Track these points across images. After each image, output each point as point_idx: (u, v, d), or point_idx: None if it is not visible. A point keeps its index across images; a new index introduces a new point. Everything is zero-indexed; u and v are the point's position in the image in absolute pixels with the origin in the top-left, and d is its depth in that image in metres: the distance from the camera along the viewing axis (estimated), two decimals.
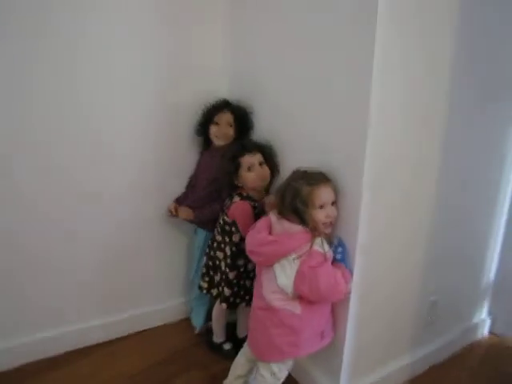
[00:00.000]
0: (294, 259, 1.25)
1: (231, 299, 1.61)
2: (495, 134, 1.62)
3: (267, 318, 1.31)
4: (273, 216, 1.33)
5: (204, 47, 1.77)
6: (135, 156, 1.73)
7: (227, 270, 1.61)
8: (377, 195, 1.28)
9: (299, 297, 1.27)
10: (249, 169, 1.56)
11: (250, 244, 1.34)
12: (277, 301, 1.29)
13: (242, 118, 1.74)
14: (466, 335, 1.88)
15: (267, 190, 1.63)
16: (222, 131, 1.73)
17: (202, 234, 1.83)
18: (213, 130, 1.74)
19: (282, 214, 1.30)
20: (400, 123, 1.27)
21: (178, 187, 1.86)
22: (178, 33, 1.68)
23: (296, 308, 1.28)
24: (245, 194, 1.59)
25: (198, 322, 1.89)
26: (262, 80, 1.66)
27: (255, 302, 1.40)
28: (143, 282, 1.90)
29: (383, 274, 1.41)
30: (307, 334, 1.30)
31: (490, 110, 1.54)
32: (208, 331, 1.85)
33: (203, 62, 1.78)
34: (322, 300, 1.29)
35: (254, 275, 1.53)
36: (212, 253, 1.68)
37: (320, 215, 1.25)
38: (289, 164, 1.48)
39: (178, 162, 1.85)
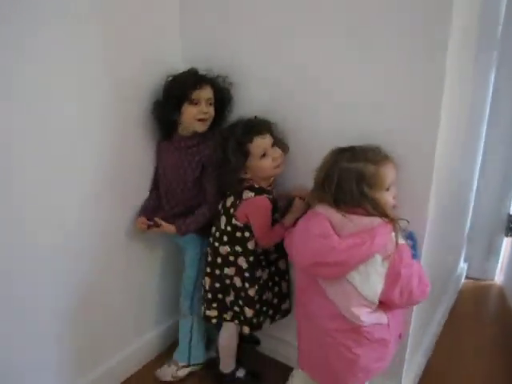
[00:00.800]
0: (382, 261, 1.01)
1: (254, 320, 1.33)
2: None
3: (348, 338, 1.06)
4: (331, 212, 1.04)
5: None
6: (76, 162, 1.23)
7: (246, 286, 1.30)
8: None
9: (381, 304, 1.06)
10: (263, 155, 1.24)
11: (315, 254, 1.03)
12: (365, 316, 1.04)
13: (225, 94, 1.36)
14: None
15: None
16: (204, 112, 1.31)
17: (193, 248, 1.46)
18: (192, 111, 1.29)
19: (344, 207, 1.03)
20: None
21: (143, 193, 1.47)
22: None
23: (383, 318, 1.06)
24: (257, 186, 1.27)
25: (182, 354, 1.53)
26: (244, 43, 1.33)
27: (324, 324, 1.09)
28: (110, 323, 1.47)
29: None
30: (393, 343, 1.11)
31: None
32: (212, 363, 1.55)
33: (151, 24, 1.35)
34: (409, 305, 1.09)
35: (274, 284, 1.37)
36: (217, 271, 1.34)
37: (390, 198, 1.04)
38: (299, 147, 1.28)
39: (135, 159, 1.41)
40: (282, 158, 1.26)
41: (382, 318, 1.05)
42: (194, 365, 1.53)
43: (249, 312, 1.31)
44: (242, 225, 1.28)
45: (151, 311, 1.62)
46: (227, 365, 1.50)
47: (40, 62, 1.06)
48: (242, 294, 1.30)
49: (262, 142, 1.22)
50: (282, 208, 1.30)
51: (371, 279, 1.00)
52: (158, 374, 1.52)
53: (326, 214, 1.04)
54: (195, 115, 1.30)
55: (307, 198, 1.15)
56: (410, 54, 1.06)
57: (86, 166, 1.25)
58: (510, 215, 2.08)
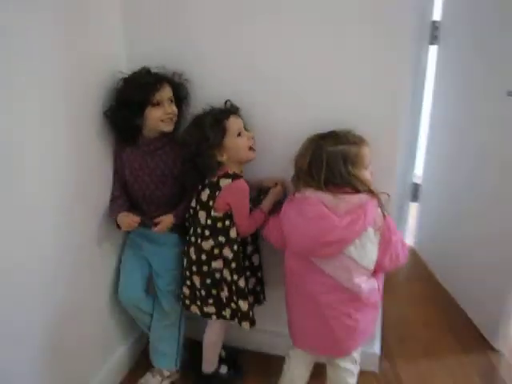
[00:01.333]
0: (375, 232, 1.11)
1: (251, 313, 1.32)
2: None
3: (350, 307, 1.15)
4: (319, 194, 1.11)
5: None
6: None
7: (235, 278, 1.29)
8: None
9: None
10: (238, 134, 1.26)
11: (317, 236, 1.09)
12: (364, 283, 1.13)
13: (183, 90, 1.34)
14: None
15: None
16: (169, 112, 1.29)
17: (170, 247, 1.42)
18: (156, 114, 1.27)
19: (333, 188, 1.10)
20: None
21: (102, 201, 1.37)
22: None
23: (375, 283, 1.17)
24: (231, 173, 1.27)
25: (170, 359, 1.49)
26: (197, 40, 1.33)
27: (325, 299, 1.15)
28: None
29: None
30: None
31: None
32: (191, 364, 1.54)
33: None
34: (394, 268, 1.20)
35: (258, 268, 1.40)
36: (205, 267, 1.31)
37: (369, 175, 1.15)
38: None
39: (96, 167, 1.33)
40: (254, 142, 1.29)
41: (374, 283, 1.17)
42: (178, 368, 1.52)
43: (244, 305, 1.31)
44: (221, 215, 1.27)
45: (119, 325, 1.53)
46: (211, 364, 1.48)
47: None
48: (234, 287, 1.30)
49: (237, 121, 1.26)
50: (252, 197, 1.32)
51: (367, 250, 1.11)
52: None
53: (316, 197, 1.11)
54: (160, 117, 1.27)
55: (292, 184, 1.21)
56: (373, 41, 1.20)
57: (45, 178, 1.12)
58: (414, 183, 2.40)
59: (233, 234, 1.28)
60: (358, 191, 1.10)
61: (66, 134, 1.17)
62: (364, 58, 1.22)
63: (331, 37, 1.22)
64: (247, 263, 1.36)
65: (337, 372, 1.26)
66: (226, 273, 1.30)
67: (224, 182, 1.26)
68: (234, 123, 1.25)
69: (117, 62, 1.36)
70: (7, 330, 1.04)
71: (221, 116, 1.24)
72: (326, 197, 1.11)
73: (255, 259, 1.39)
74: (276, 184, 1.34)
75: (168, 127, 1.30)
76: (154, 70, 1.30)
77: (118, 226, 1.35)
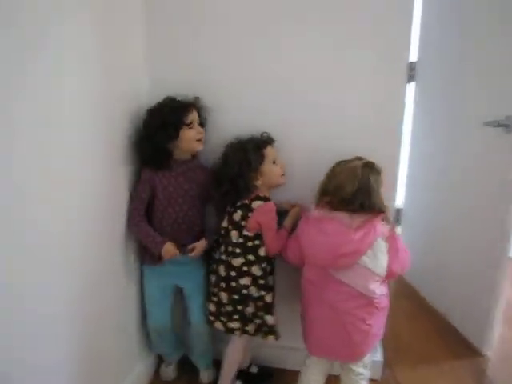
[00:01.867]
0: (383, 241, 1.27)
1: (275, 327, 1.44)
2: None
3: (364, 312, 1.29)
4: (337, 213, 1.27)
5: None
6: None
7: (262, 294, 1.41)
8: None
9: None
10: (274, 162, 1.41)
11: (336, 248, 1.24)
12: (377, 289, 1.28)
13: (205, 114, 1.45)
14: None
15: None
16: (200, 132, 1.41)
17: (199, 270, 1.53)
18: (190, 134, 1.37)
19: (350, 210, 1.26)
20: None
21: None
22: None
23: (385, 289, 1.32)
24: (262, 196, 1.41)
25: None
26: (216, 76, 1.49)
27: (343, 306, 1.28)
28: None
29: None
30: None
31: None
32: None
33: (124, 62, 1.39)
34: (401, 273, 1.36)
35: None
36: (233, 284, 1.41)
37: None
38: None
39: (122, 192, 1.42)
40: (284, 170, 1.45)
41: (384, 288, 1.33)
42: None
43: (270, 319, 1.42)
44: (252, 234, 1.40)
45: (137, 342, 1.61)
46: (228, 380, 1.54)
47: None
48: (261, 303, 1.41)
49: (273, 151, 1.42)
50: None
51: (379, 258, 1.27)
52: None
53: (332, 216, 1.28)
54: (194, 136, 1.39)
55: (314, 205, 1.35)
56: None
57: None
58: (397, 208, 2.59)
59: (261, 252, 1.41)
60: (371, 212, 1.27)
61: (93, 160, 1.24)
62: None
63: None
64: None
65: (350, 376, 1.39)
66: (253, 289, 1.41)
67: (256, 204, 1.39)
68: (271, 151, 1.40)
69: (139, 90, 1.48)
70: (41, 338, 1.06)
71: (261, 144, 1.39)
72: (342, 215, 1.27)
73: (270, 279, 1.48)
74: (293, 206, 1.48)
75: (200, 147, 1.42)
76: (180, 98, 1.41)
77: (159, 257, 1.42)
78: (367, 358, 1.40)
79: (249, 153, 1.36)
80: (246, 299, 1.42)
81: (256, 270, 1.40)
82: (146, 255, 1.49)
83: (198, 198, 1.48)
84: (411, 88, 2.29)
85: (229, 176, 1.37)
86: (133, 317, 1.56)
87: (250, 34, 1.46)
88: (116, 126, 1.35)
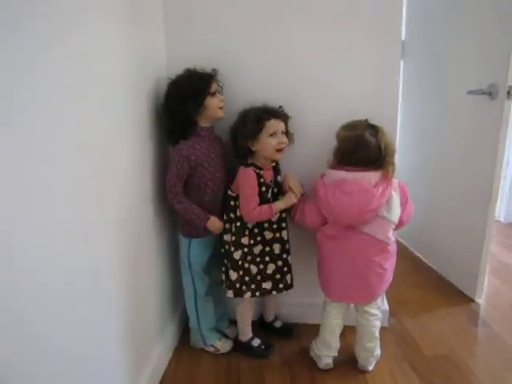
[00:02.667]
0: (396, 194, 1.44)
1: (237, 285, 1.55)
2: None
3: (381, 258, 1.46)
4: (354, 173, 1.39)
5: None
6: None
7: (232, 250, 1.55)
8: None
9: None
10: (271, 135, 1.47)
11: (363, 205, 1.37)
12: (392, 235, 1.46)
13: (222, 87, 1.55)
14: None
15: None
16: (222, 100, 1.51)
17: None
18: (214, 101, 1.47)
19: (367, 169, 1.39)
20: None
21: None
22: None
23: (393, 235, 1.49)
24: (250, 162, 1.52)
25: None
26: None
27: (364, 253, 1.44)
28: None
29: None
30: None
31: None
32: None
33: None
34: (407, 223, 1.53)
35: (261, 261, 1.57)
36: (224, 236, 1.59)
37: None
38: None
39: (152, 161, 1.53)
40: (285, 146, 1.51)
41: (394, 235, 1.51)
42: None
43: (233, 275, 1.55)
44: (234, 194, 1.54)
45: (164, 312, 1.72)
46: (243, 333, 1.72)
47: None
48: (230, 257, 1.56)
49: (275, 124, 1.47)
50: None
51: (394, 208, 1.44)
52: None
53: (351, 176, 1.41)
54: (218, 104, 1.49)
55: (329, 165, 1.48)
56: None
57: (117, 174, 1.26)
58: None
59: (238, 212, 1.53)
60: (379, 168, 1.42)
61: (126, 134, 1.32)
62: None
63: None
64: (267, 249, 1.58)
65: (367, 317, 1.57)
66: (230, 245, 1.56)
67: (241, 168, 1.52)
68: (271, 125, 1.47)
69: (160, 62, 1.61)
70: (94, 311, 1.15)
71: (263, 116, 1.47)
72: (361, 175, 1.41)
73: (276, 248, 1.60)
74: (290, 189, 1.55)
75: (222, 114, 1.51)
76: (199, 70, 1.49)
77: (205, 230, 1.55)
78: (379, 300, 1.59)
79: (249, 120, 1.46)
80: (226, 254, 1.59)
81: (232, 228, 1.55)
82: (193, 229, 1.58)
83: (224, 166, 1.58)
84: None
85: (230, 137, 1.53)
86: (164, 288, 1.71)
87: (260, 17, 1.60)
88: (141, 103, 1.45)
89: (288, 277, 1.65)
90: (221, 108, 1.51)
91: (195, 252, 1.62)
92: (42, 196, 0.86)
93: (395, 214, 1.45)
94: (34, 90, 0.82)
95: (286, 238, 1.62)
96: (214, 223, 1.55)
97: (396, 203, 1.45)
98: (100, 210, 1.14)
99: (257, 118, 1.47)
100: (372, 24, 1.57)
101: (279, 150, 1.50)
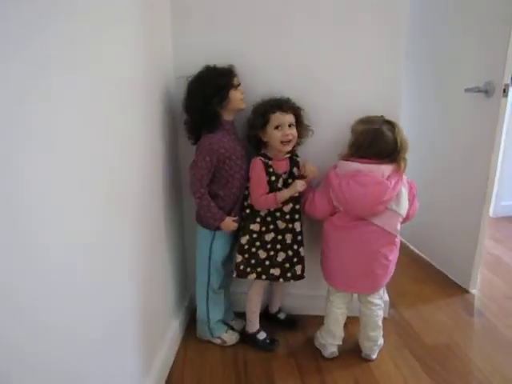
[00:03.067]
0: (405, 188, 1.50)
1: (241, 266, 1.62)
2: None
3: (387, 249, 1.51)
4: (368, 165, 1.44)
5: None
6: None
7: (240, 234, 1.63)
8: None
9: None
10: (277, 127, 1.52)
11: (377, 197, 1.42)
12: (399, 228, 1.52)
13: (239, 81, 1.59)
14: None
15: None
16: (243, 92, 1.55)
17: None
18: (237, 94, 1.52)
19: (381, 162, 1.45)
20: None
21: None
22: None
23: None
24: (261, 153, 1.59)
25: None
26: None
27: (373, 244, 1.49)
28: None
29: None
30: None
31: None
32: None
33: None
34: (412, 218, 1.58)
35: (272, 248, 1.61)
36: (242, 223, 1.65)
37: None
38: None
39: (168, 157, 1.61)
40: (293, 138, 1.54)
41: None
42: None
43: (238, 257, 1.63)
44: (248, 184, 1.61)
45: (173, 301, 1.76)
46: (251, 324, 1.75)
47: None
48: (238, 241, 1.64)
49: (280, 117, 1.51)
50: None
51: (403, 202, 1.50)
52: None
53: (365, 168, 1.45)
54: (240, 96, 1.54)
55: (343, 157, 1.53)
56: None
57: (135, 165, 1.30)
58: None
59: (249, 200, 1.61)
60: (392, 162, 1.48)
61: (140, 134, 1.34)
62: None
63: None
64: (279, 237, 1.62)
65: (370, 307, 1.62)
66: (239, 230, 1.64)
67: (252, 158, 1.59)
68: (276, 118, 1.51)
69: (167, 65, 1.64)
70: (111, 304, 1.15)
71: (269, 109, 1.52)
72: (375, 168, 1.46)
73: (288, 237, 1.63)
74: (302, 177, 1.60)
75: (244, 105, 1.56)
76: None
77: (218, 227, 1.59)
78: (382, 291, 1.64)
79: (256, 113, 1.54)
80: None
81: (245, 214, 1.63)
82: None
83: (247, 159, 1.61)
84: None
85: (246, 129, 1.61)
86: (173, 279, 1.74)
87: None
88: (152, 104, 1.47)
89: (298, 267, 1.67)
90: (242, 100, 1.55)
91: (219, 243, 1.65)
92: (56, 196, 0.85)
93: (404, 207, 1.50)
94: (47, 91, 0.80)
95: (298, 230, 1.65)
96: (228, 224, 1.59)
97: (405, 197, 1.51)
98: (116, 208, 1.16)
99: (263, 111, 1.53)
100: (377, 23, 1.62)
101: (284, 142, 1.54)
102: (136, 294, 1.31)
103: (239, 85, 1.55)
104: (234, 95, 1.52)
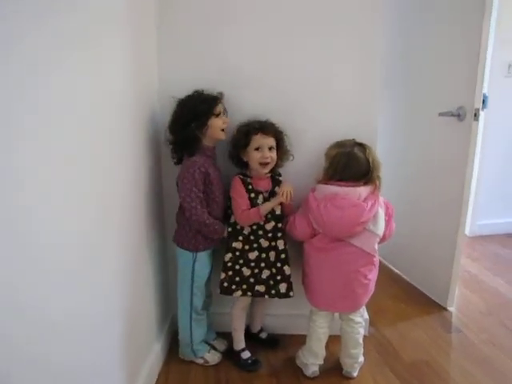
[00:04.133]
0: (381, 209, 1.55)
1: (225, 284, 1.64)
2: None
3: (366, 269, 1.55)
4: (344, 188, 1.50)
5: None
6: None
7: (224, 253, 1.66)
8: None
9: None
10: (257, 149, 1.57)
11: (354, 219, 1.47)
12: (376, 248, 1.56)
13: (226, 110, 1.63)
14: None
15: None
16: (226, 122, 1.58)
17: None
18: (218, 122, 1.55)
19: (354, 182, 1.51)
20: None
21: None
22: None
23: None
24: (241, 172, 1.65)
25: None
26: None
27: (352, 265, 1.53)
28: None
29: None
30: None
31: None
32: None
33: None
34: (389, 238, 1.63)
35: (256, 266, 1.63)
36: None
37: None
38: None
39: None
40: (271, 161, 1.59)
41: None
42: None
43: (221, 275, 1.66)
44: (229, 203, 1.67)
45: (155, 325, 1.76)
46: (236, 342, 1.77)
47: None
48: (222, 259, 1.66)
49: (261, 140, 1.57)
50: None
51: (379, 223, 1.55)
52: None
53: (342, 191, 1.51)
54: (221, 126, 1.57)
55: (321, 179, 1.59)
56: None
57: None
58: None
59: (232, 219, 1.66)
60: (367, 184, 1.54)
61: (125, 151, 1.37)
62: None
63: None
64: (263, 255, 1.65)
65: (351, 325, 1.65)
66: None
67: (233, 177, 1.65)
68: (257, 140, 1.57)
69: (153, 88, 1.69)
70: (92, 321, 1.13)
71: (252, 130, 1.57)
72: (352, 191, 1.51)
73: (271, 255, 1.66)
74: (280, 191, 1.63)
75: (224, 136, 1.60)
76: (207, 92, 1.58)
77: (212, 241, 1.64)
78: (363, 310, 1.68)
79: (239, 132, 1.61)
80: None
81: (228, 232, 1.67)
82: (203, 242, 1.64)
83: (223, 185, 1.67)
84: None
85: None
86: (155, 301, 1.74)
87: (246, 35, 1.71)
88: (137, 121, 1.51)
89: (282, 285, 1.68)
90: (222, 130, 1.58)
91: (201, 264, 1.66)
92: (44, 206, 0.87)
93: (381, 227, 1.56)
94: (34, 103, 0.83)
95: (281, 248, 1.67)
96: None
97: (381, 218, 1.56)
98: (101, 223, 1.18)
99: (246, 131, 1.59)
100: (353, 51, 1.71)
101: (262, 164, 1.59)
102: (118, 315, 1.32)
103: (223, 114, 1.59)
104: (215, 123, 1.55)
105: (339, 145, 1.58)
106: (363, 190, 1.52)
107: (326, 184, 1.56)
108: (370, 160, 1.52)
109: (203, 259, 1.66)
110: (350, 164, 1.52)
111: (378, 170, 1.54)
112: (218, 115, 1.56)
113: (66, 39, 0.96)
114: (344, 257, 1.55)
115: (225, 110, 1.62)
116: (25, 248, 0.81)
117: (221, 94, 1.61)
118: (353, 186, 1.52)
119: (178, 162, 1.63)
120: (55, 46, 0.91)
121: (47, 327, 0.90)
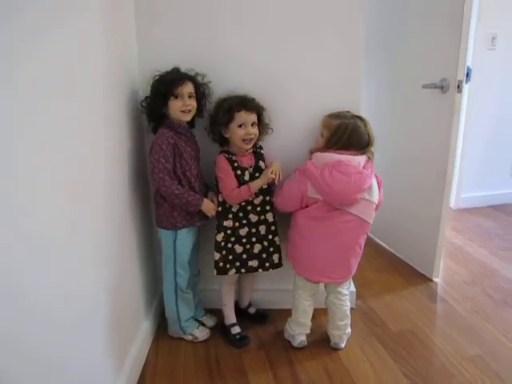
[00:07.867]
0: (373, 178, 1.56)
1: (220, 264, 1.64)
2: None
3: (361, 238, 1.58)
4: (348, 156, 1.50)
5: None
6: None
7: (215, 232, 1.65)
8: None
9: None
10: (240, 125, 1.56)
11: (359, 185, 1.48)
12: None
13: (204, 88, 1.60)
14: None
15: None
16: (187, 104, 1.52)
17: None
18: (175, 104, 1.51)
19: (356, 153, 1.52)
20: None
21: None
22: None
23: None
24: (224, 149, 1.63)
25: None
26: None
27: (349, 234, 1.55)
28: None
29: None
30: None
31: None
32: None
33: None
34: (380, 205, 1.63)
35: (248, 241, 1.65)
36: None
37: None
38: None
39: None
40: (254, 137, 1.59)
41: None
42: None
43: (216, 255, 1.65)
44: (215, 182, 1.65)
45: (144, 304, 1.76)
46: (226, 317, 1.79)
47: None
48: (215, 239, 1.65)
49: (245, 116, 1.55)
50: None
51: (374, 190, 1.56)
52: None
53: (345, 159, 1.50)
54: (179, 107, 1.52)
55: (318, 149, 1.58)
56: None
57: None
58: None
59: (220, 198, 1.64)
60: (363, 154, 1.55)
61: (105, 132, 1.35)
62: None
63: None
64: (253, 230, 1.66)
65: (338, 297, 1.67)
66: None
67: (217, 155, 1.62)
68: (241, 116, 1.54)
69: (133, 64, 1.65)
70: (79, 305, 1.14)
71: (235, 107, 1.54)
72: (353, 158, 1.52)
73: (262, 229, 1.67)
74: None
75: (186, 117, 1.55)
76: (183, 70, 1.56)
77: (199, 214, 1.62)
78: (349, 282, 1.70)
79: (221, 110, 1.56)
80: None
81: (217, 211, 1.65)
82: (180, 219, 1.62)
83: (198, 162, 1.66)
84: None
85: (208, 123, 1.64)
86: (142, 279, 1.74)
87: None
88: (118, 105, 1.49)
89: (275, 256, 1.71)
90: (183, 111, 1.53)
91: (182, 243, 1.65)
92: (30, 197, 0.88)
93: (375, 195, 1.57)
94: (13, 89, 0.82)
95: (271, 220, 1.68)
96: (209, 205, 1.62)
97: (375, 186, 1.57)
98: (84, 207, 1.17)
99: (228, 108, 1.55)
100: (336, 26, 1.68)
101: (246, 140, 1.58)
102: (104, 294, 1.31)
103: (187, 96, 1.53)
104: (173, 104, 1.52)
105: (339, 116, 1.58)
106: (362, 159, 1.54)
107: (327, 152, 1.55)
108: (370, 134, 1.55)
109: (184, 237, 1.65)
110: (354, 135, 1.53)
111: (373, 144, 1.57)
112: (177, 96, 1.51)
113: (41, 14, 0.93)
114: (342, 225, 1.54)
115: (199, 92, 1.59)
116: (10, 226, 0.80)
117: (197, 74, 1.59)
118: (353, 155, 1.53)
119: (154, 131, 1.62)
120: (32, 22, 0.88)
121: (32, 312, 0.89)
